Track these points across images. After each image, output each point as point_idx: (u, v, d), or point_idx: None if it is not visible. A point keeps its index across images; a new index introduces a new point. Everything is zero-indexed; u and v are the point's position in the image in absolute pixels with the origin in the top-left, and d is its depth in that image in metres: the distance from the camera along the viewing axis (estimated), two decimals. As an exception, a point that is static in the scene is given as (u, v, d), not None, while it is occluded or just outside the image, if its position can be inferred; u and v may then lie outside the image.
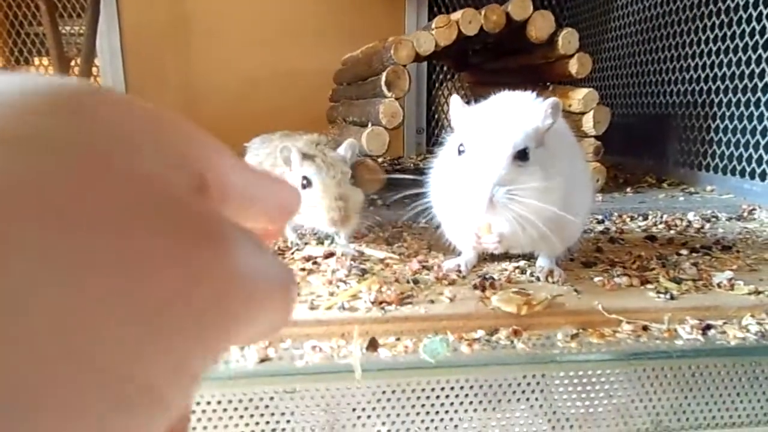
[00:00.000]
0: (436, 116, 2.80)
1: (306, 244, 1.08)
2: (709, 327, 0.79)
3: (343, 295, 0.82)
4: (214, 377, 0.68)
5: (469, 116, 0.85)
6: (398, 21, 2.52)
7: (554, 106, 0.81)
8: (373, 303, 0.80)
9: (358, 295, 0.83)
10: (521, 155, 0.79)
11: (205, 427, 0.68)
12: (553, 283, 0.90)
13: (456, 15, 1.40)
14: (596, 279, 0.91)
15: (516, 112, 0.83)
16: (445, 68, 2.72)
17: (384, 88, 1.36)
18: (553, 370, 0.73)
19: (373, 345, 0.73)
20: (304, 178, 0.98)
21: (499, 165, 0.78)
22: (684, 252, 1.07)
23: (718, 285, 0.88)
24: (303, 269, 0.94)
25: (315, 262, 0.97)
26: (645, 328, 0.79)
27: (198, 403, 0.68)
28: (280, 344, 0.73)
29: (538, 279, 0.91)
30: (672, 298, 0.83)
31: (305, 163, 0.99)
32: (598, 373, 0.74)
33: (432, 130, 2.78)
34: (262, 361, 0.70)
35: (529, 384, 0.74)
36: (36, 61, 2.76)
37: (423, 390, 0.72)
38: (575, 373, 0.73)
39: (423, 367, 0.71)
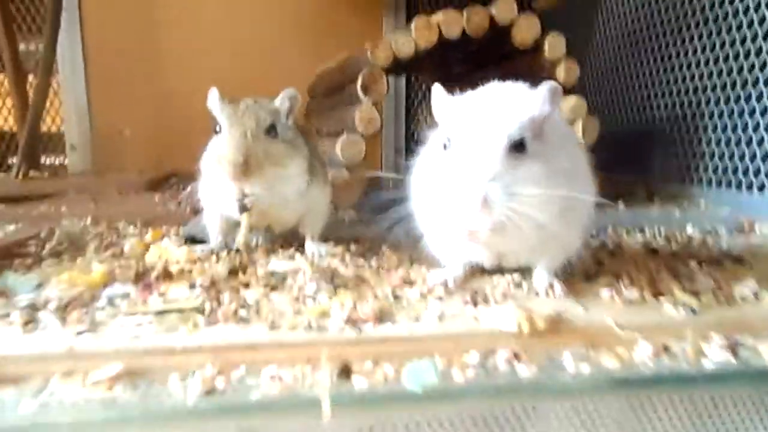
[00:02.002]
0: (415, 136, 2.72)
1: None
2: (738, 345, 0.67)
3: (311, 313, 0.69)
4: (145, 414, 0.54)
5: (455, 107, 0.74)
6: (375, 33, 2.45)
7: (552, 91, 0.71)
8: (345, 321, 0.67)
9: (328, 313, 0.69)
10: (517, 147, 0.68)
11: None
12: (555, 298, 0.78)
13: (437, 17, 1.31)
14: (603, 292, 0.79)
15: (509, 100, 0.72)
16: (423, 87, 2.65)
17: (360, 92, 1.25)
18: (563, 400, 0.61)
19: (345, 372, 0.60)
20: (216, 123, 0.90)
21: (492, 158, 0.67)
22: (692, 264, 0.96)
23: (742, 298, 0.77)
24: (266, 285, 0.80)
25: (281, 278, 0.84)
26: (665, 348, 0.67)
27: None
28: (232, 372, 0.60)
29: (536, 293, 0.79)
30: (693, 312, 0.72)
31: (225, 108, 0.90)
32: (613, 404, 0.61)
33: (411, 150, 2.68)
34: (207, 393, 0.56)
35: (532, 417, 0.61)
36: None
37: (407, 427, 0.58)
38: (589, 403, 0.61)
39: (407, 398, 0.57)
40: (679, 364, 0.65)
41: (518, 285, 0.83)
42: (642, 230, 1.28)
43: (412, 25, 1.28)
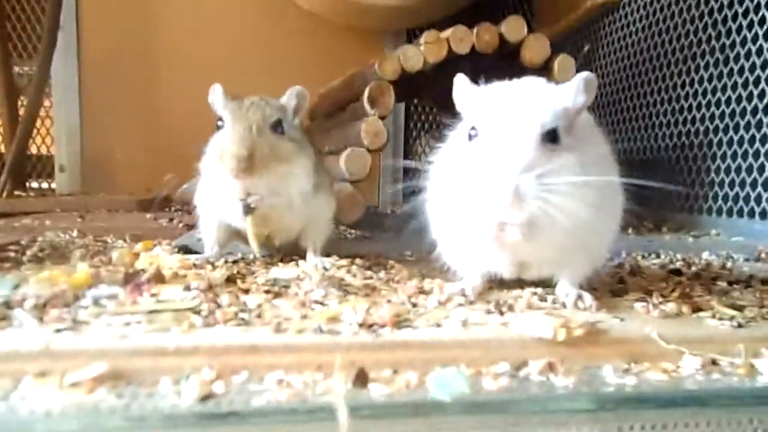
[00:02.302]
0: (413, 167, 2.68)
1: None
2: (793, 360, 0.61)
3: (320, 317, 0.62)
4: (133, 420, 0.46)
5: (482, 96, 0.70)
6: (375, 57, 2.44)
7: (588, 82, 0.66)
8: (360, 325, 0.59)
9: (339, 317, 0.62)
10: (551, 137, 0.63)
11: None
12: (584, 309, 0.71)
13: (447, 32, 1.28)
14: (636, 305, 0.73)
15: (541, 90, 0.68)
16: (422, 118, 2.63)
17: (367, 105, 1.21)
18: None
19: (361, 379, 0.53)
20: (220, 118, 0.85)
21: (525, 146, 0.61)
22: (722, 284, 0.90)
23: (788, 313, 0.71)
24: (267, 292, 0.73)
25: (284, 285, 0.77)
26: (714, 362, 0.60)
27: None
28: (232, 377, 0.52)
29: (563, 305, 0.73)
30: (739, 326, 0.66)
31: (229, 103, 0.85)
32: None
33: (409, 180, 2.64)
34: (204, 398, 0.48)
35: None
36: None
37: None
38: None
39: (433, 408, 0.50)
40: (731, 380, 0.58)
41: (542, 299, 0.76)
42: (658, 255, 1.23)
43: (422, 39, 1.25)
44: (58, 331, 0.56)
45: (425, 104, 2.42)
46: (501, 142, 0.62)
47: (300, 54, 2.46)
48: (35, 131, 2.12)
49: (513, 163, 0.60)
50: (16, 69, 2.15)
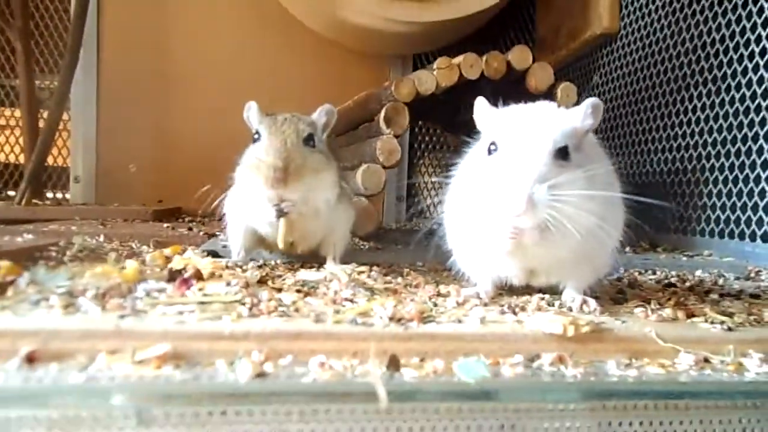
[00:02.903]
0: (416, 185, 2.76)
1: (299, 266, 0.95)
2: (779, 360, 0.68)
3: (352, 311, 0.68)
4: (194, 391, 0.52)
5: (500, 116, 0.78)
6: (382, 82, 2.53)
7: (595, 107, 0.74)
8: (390, 319, 0.66)
9: (370, 312, 0.69)
10: (562, 153, 0.71)
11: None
12: (589, 313, 0.78)
13: (458, 58, 1.37)
14: (637, 310, 0.80)
15: (553, 112, 0.76)
16: (427, 138, 2.72)
17: (383, 124, 1.29)
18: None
19: (394, 364, 0.59)
20: (256, 132, 0.92)
21: (538, 160, 0.69)
22: (714, 296, 0.97)
23: (774, 321, 0.78)
24: (299, 291, 0.80)
25: (313, 286, 0.83)
26: (706, 360, 0.67)
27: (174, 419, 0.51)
28: (279, 360, 0.58)
29: (570, 309, 0.80)
30: (729, 329, 0.73)
31: (264, 119, 0.92)
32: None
33: (411, 199, 2.73)
34: (258, 377, 0.55)
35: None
36: (6, 112, 2.63)
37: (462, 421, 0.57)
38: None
39: (463, 392, 0.56)
40: (721, 376, 0.65)
41: (550, 303, 0.83)
42: (654, 271, 1.30)
43: (435, 65, 1.34)
44: (122, 317, 0.62)
45: (430, 125, 2.51)
46: (518, 156, 0.69)
47: (309, 75, 2.56)
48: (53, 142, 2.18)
49: (528, 174, 0.68)
50: (37, 83, 2.23)
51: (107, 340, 0.57)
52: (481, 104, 0.80)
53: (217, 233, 1.45)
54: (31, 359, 0.54)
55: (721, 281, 1.23)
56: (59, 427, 0.49)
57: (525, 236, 0.71)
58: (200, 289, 0.73)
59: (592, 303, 0.79)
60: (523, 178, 0.67)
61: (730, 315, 0.78)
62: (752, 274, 1.35)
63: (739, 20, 1.57)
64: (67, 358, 0.55)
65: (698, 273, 1.31)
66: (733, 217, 1.57)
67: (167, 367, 0.55)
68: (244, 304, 0.68)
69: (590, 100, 0.75)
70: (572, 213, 0.68)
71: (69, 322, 0.60)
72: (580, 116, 0.74)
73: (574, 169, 0.70)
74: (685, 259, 1.53)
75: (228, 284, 0.76)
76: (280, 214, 0.91)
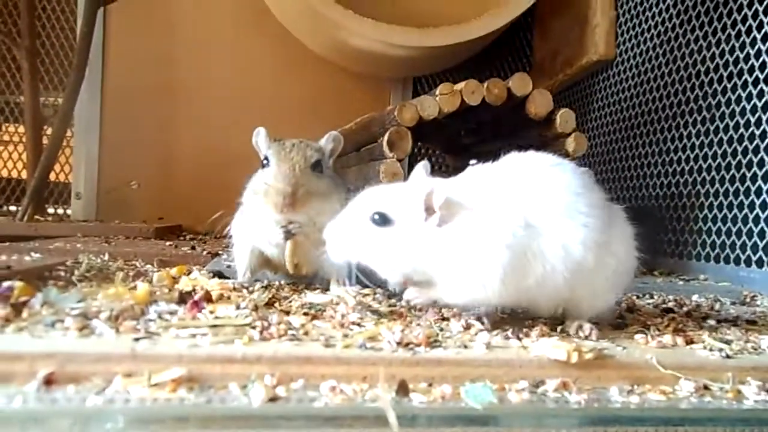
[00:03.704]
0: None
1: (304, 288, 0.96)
2: (775, 388, 0.69)
3: (361, 335, 0.70)
4: (209, 416, 0.53)
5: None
6: (382, 104, 2.57)
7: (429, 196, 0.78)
8: (398, 343, 0.68)
9: (377, 337, 0.70)
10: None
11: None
12: (585, 337, 0.80)
13: (460, 85, 1.40)
14: (637, 337, 0.81)
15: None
16: (426, 158, 2.75)
17: (386, 148, 1.32)
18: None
19: (403, 389, 0.61)
20: (265, 157, 0.95)
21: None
22: (711, 322, 0.99)
23: (770, 348, 0.80)
24: (306, 314, 0.81)
25: (320, 309, 0.85)
26: (706, 387, 0.69)
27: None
28: (290, 384, 0.60)
29: (567, 334, 0.81)
30: (728, 357, 0.75)
31: (273, 144, 0.95)
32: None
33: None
34: (271, 400, 0.56)
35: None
36: (10, 128, 2.65)
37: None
38: None
39: (471, 416, 0.58)
40: (720, 403, 0.66)
41: (552, 328, 0.85)
42: (651, 296, 1.32)
43: (437, 91, 1.37)
44: (136, 339, 0.63)
45: (430, 147, 2.54)
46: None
47: (311, 96, 2.59)
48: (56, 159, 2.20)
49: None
50: (42, 99, 2.25)
51: (123, 363, 0.58)
52: (417, 170, 0.88)
53: (220, 252, 1.47)
54: (49, 382, 0.55)
55: (717, 306, 1.24)
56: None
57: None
58: (211, 312, 0.74)
59: (587, 327, 0.81)
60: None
61: (728, 342, 0.80)
62: (747, 299, 1.37)
63: (732, 50, 1.61)
64: (84, 381, 0.56)
65: (695, 297, 1.33)
66: (728, 242, 1.60)
67: (182, 390, 0.56)
68: (254, 327, 0.69)
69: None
70: None
71: (85, 345, 0.61)
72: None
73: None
74: (681, 283, 1.55)
75: (237, 307, 0.77)
76: (288, 235, 0.93)
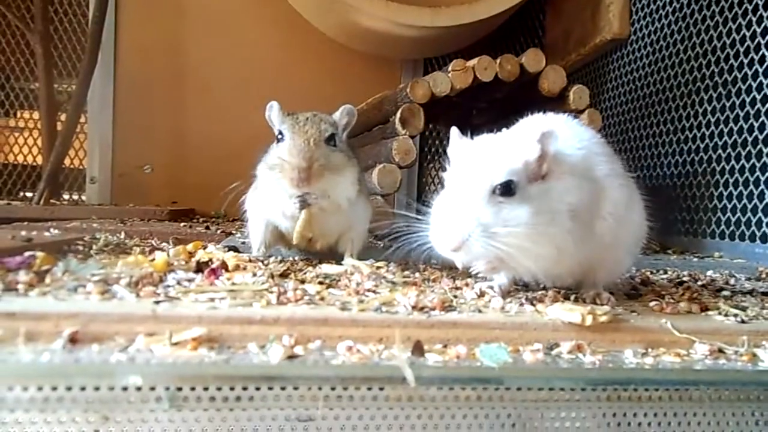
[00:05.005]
0: (427, 188, 2.79)
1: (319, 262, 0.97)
2: (791, 351, 0.69)
3: (376, 300, 0.70)
4: (227, 370, 0.54)
5: (463, 149, 0.78)
6: (394, 85, 2.56)
7: (545, 138, 0.73)
8: (413, 307, 0.68)
9: (393, 302, 0.71)
10: (505, 190, 0.71)
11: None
12: (602, 305, 0.80)
13: (473, 61, 1.40)
14: (652, 304, 0.81)
15: (504, 147, 0.75)
16: (437, 141, 2.74)
17: (399, 125, 1.32)
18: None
19: (418, 349, 0.62)
20: (280, 132, 0.94)
21: (474, 201, 0.70)
22: (726, 293, 0.99)
23: (786, 313, 0.79)
24: (321, 283, 0.82)
25: (335, 279, 0.85)
26: (721, 351, 0.69)
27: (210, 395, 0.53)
28: (308, 344, 0.61)
29: (584, 301, 0.82)
30: (743, 322, 0.75)
31: (286, 119, 0.95)
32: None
33: (422, 202, 2.75)
34: (289, 358, 0.57)
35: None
36: (26, 114, 2.69)
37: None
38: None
39: (486, 377, 0.58)
40: (735, 365, 0.66)
41: (566, 297, 0.85)
42: (665, 271, 1.31)
43: (449, 67, 1.36)
44: (157, 302, 0.64)
45: (441, 128, 2.54)
46: (457, 197, 0.72)
47: (322, 78, 2.60)
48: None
49: (462, 217, 0.70)
50: (56, 86, 2.27)
51: (145, 323, 0.60)
52: (453, 135, 0.81)
53: (233, 232, 1.48)
54: (73, 340, 0.57)
55: (732, 281, 1.24)
56: (94, 409, 0.51)
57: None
58: (228, 279, 0.75)
59: (605, 296, 0.81)
60: (457, 220, 0.70)
61: (744, 309, 0.80)
62: (763, 275, 1.36)
63: (749, 25, 1.59)
64: (107, 340, 0.58)
65: (709, 273, 1.32)
66: (743, 219, 1.58)
67: (202, 349, 0.57)
68: (272, 292, 0.70)
69: (539, 132, 0.73)
70: (513, 249, 0.69)
71: (107, 307, 0.62)
72: (532, 148, 0.73)
73: (518, 206, 0.71)
74: (695, 260, 1.54)
75: (254, 275, 0.78)
76: (303, 204, 0.93)
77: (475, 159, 0.74)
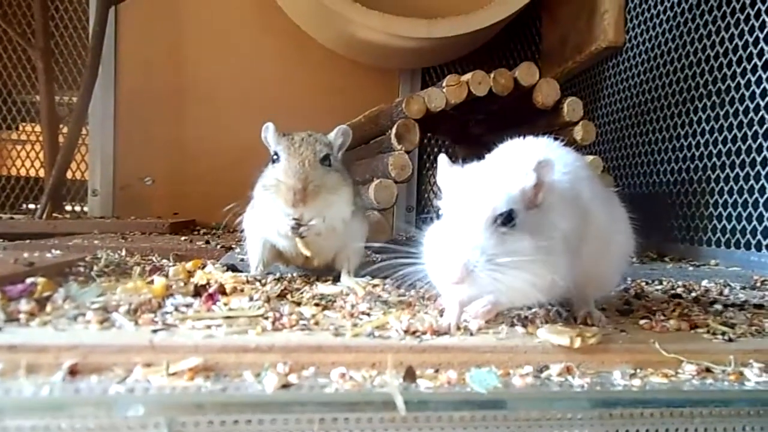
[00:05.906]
0: (426, 195, 2.81)
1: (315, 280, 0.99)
2: (777, 370, 0.70)
3: (369, 324, 0.72)
4: (223, 401, 0.56)
5: (455, 178, 0.76)
6: (392, 95, 2.58)
7: (541, 167, 0.72)
8: (405, 332, 0.70)
9: (385, 326, 0.73)
10: (505, 219, 0.69)
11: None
12: (592, 325, 0.81)
13: (466, 76, 1.41)
14: (642, 322, 0.83)
15: (501, 174, 0.74)
16: (435, 151, 2.76)
17: (394, 141, 1.34)
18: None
19: (410, 375, 0.63)
20: (275, 153, 0.96)
21: (477, 231, 0.68)
22: (718, 307, 1.00)
23: (775, 331, 0.81)
24: (317, 305, 0.84)
25: (330, 300, 0.87)
26: (708, 370, 0.70)
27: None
28: (302, 372, 0.62)
29: (575, 320, 0.83)
30: (730, 340, 0.76)
31: (282, 140, 0.96)
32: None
33: (421, 208, 2.77)
34: (283, 387, 0.59)
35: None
36: (27, 127, 2.71)
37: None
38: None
39: (474, 401, 0.60)
40: (723, 385, 0.68)
41: (559, 314, 0.86)
42: (660, 282, 1.33)
43: (444, 82, 1.38)
44: (154, 331, 0.66)
45: (439, 138, 2.56)
46: (458, 226, 0.69)
47: (320, 89, 2.62)
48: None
49: (465, 245, 0.67)
50: (57, 99, 2.29)
51: (142, 353, 0.61)
52: (442, 163, 0.78)
53: (233, 246, 1.50)
54: (73, 372, 0.58)
55: (726, 291, 1.25)
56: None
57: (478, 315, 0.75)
58: (225, 304, 0.77)
59: (596, 315, 0.82)
60: (460, 249, 0.67)
61: (732, 326, 0.81)
62: (758, 284, 1.37)
63: (741, 34, 1.60)
64: (106, 371, 0.59)
65: (704, 283, 1.33)
66: (739, 227, 1.59)
67: (199, 379, 0.59)
68: (267, 318, 0.72)
69: (536, 161, 0.72)
70: (513, 280, 0.68)
71: (106, 337, 0.64)
72: (529, 176, 0.72)
73: (519, 236, 0.69)
74: (691, 268, 1.55)
75: (251, 299, 0.80)
76: (295, 233, 0.95)
77: (471, 188, 0.72)
